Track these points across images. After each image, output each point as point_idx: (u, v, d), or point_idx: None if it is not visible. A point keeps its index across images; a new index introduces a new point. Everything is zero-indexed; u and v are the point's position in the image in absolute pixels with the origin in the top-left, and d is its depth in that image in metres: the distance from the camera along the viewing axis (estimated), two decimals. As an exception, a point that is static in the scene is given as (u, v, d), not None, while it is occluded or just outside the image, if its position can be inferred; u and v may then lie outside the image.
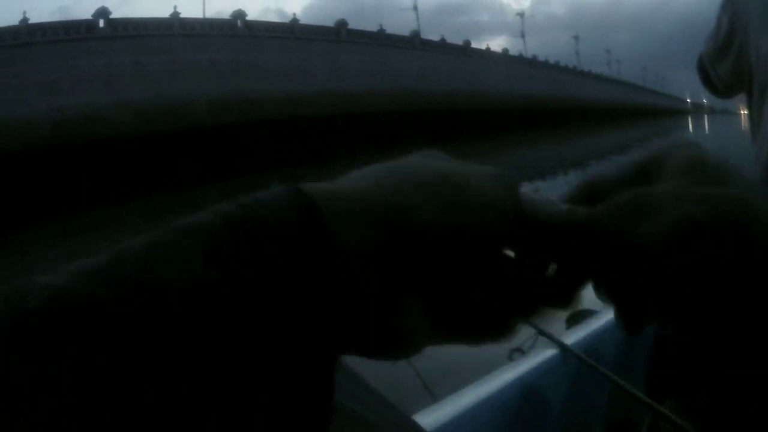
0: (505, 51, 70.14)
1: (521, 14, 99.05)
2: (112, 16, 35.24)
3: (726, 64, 1.50)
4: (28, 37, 31.73)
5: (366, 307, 0.36)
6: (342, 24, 47.00)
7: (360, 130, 40.25)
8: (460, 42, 60.76)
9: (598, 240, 0.44)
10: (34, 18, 33.04)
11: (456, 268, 0.41)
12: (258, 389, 0.29)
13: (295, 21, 45.13)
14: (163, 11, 39.23)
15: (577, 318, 2.18)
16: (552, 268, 0.46)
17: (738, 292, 0.40)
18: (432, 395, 1.75)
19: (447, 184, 0.41)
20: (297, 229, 0.33)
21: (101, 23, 34.68)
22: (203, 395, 0.28)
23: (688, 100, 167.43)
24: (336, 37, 46.03)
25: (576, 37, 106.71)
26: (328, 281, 0.33)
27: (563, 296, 0.47)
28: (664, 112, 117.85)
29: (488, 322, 0.44)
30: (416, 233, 0.38)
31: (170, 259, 0.31)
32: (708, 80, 1.62)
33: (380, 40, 49.75)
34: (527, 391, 1.65)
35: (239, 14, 40.94)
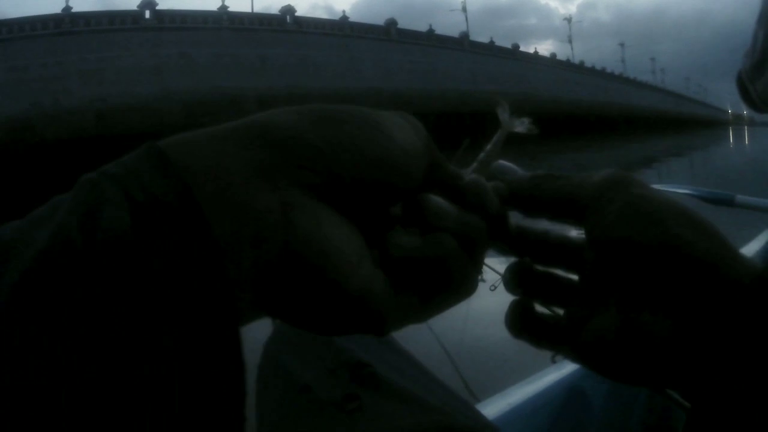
0: (553, 55, 68.05)
1: (568, 19, 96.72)
2: (158, 8, 34.18)
3: (765, 79, 1.35)
4: (71, 26, 30.64)
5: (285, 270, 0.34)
6: (392, 23, 45.74)
7: None
8: (508, 45, 58.87)
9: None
10: (77, 7, 31.76)
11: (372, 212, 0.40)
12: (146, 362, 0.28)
13: (345, 18, 43.90)
14: (210, 5, 38.16)
15: None
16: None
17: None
18: (474, 396, 1.68)
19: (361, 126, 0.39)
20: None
21: (147, 14, 33.62)
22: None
23: (729, 111, 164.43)
24: (386, 35, 44.70)
25: (622, 45, 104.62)
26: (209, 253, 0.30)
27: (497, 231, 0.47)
28: (705, 122, 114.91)
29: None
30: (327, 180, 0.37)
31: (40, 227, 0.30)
32: (747, 96, 1.43)
33: (430, 40, 47.92)
34: (569, 393, 1.64)
35: (288, 10, 39.73)
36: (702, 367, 0.41)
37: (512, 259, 0.51)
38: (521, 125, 0.56)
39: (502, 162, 0.52)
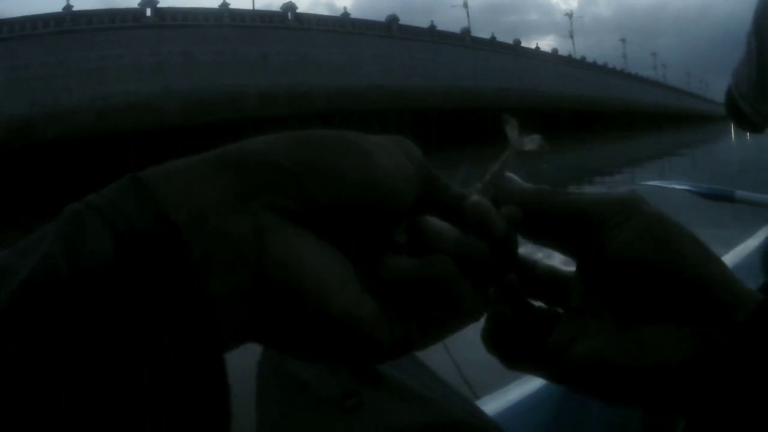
0: (555, 51, 67.58)
1: (570, 15, 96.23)
2: (159, 5, 33.87)
3: None
4: (72, 25, 30.40)
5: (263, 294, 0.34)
6: (393, 19, 45.28)
7: (410, 126, 37.86)
8: (509, 40, 58.36)
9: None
10: (78, 5, 31.58)
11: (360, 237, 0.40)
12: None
13: (346, 15, 43.58)
14: (211, 2, 37.99)
15: None
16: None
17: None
18: (474, 393, 1.66)
19: (350, 152, 0.39)
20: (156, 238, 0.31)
21: (148, 12, 33.30)
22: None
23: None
24: (387, 32, 44.26)
25: (623, 40, 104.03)
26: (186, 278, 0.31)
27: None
28: (707, 117, 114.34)
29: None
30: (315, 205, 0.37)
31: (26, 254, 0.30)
32: (740, 116, 1.48)
33: (431, 36, 47.52)
34: (568, 390, 1.39)
35: (290, 6, 39.40)
36: (698, 391, 0.41)
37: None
38: (532, 142, 0.52)
39: (507, 174, 0.50)
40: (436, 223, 0.43)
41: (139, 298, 0.30)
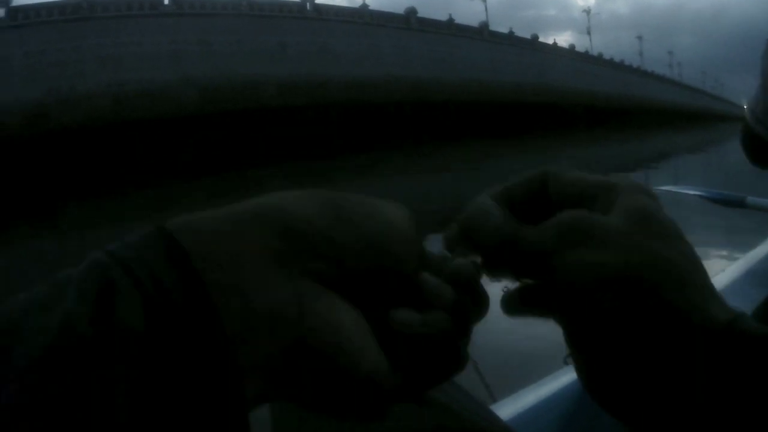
0: (572, 47, 66.67)
1: (587, 11, 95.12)
2: None
3: None
4: (88, 12, 29.96)
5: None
6: (412, 11, 44.82)
7: (428, 118, 37.79)
8: (527, 35, 57.54)
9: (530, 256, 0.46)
10: None
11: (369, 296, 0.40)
12: None
13: (364, 6, 43.03)
14: None
15: None
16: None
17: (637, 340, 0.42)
18: (491, 396, 1.72)
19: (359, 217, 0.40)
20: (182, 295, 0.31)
21: (166, 0, 32.82)
22: None
23: (744, 107, 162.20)
24: (406, 24, 43.76)
25: (640, 38, 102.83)
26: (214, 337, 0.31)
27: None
28: (721, 116, 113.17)
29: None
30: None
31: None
32: (758, 147, 1.46)
33: (449, 29, 46.80)
34: (582, 394, 1.57)
35: None
36: (670, 411, 0.41)
37: None
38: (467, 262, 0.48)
39: (484, 203, 0.49)
40: (434, 281, 0.43)
41: (167, 367, 0.29)
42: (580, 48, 70.14)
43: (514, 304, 0.50)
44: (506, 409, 1.40)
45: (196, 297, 0.31)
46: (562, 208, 0.46)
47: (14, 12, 28.51)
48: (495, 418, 0.83)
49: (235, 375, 0.31)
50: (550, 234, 0.45)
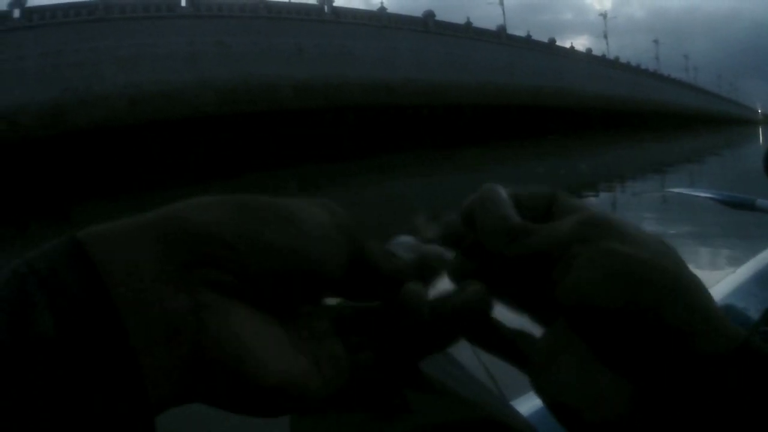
0: (589, 51, 65.81)
1: (604, 15, 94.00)
2: None
3: None
4: (105, 13, 29.65)
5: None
6: (430, 15, 44.30)
7: (445, 121, 37.45)
8: (544, 39, 56.72)
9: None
10: None
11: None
12: None
13: (382, 9, 42.43)
14: None
15: None
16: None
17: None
18: (504, 396, 1.51)
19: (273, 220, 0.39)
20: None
21: (183, 2, 32.54)
22: None
23: (759, 111, 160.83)
24: (424, 27, 43.23)
25: (656, 41, 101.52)
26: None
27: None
28: (736, 120, 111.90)
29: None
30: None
31: None
32: None
33: (467, 32, 46.11)
34: None
35: (326, 0, 38.11)
36: None
37: None
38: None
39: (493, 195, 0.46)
40: (415, 294, 0.42)
41: (76, 372, 0.30)
42: (596, 52, 69.46)
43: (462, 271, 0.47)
44: (520, 409, 1.23)
45: (102, 308, 0.32)
46: None
47: (29, 13, 28.22)
48: (514, 412, 0.82)
49: (137, 382, 0.31)
50: (568, 226, 0.42)
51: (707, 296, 0.40)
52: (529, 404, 1.39)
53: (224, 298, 0.35)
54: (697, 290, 0.40)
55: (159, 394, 0.33)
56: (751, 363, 0.37)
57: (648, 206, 13.48)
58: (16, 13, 27.87)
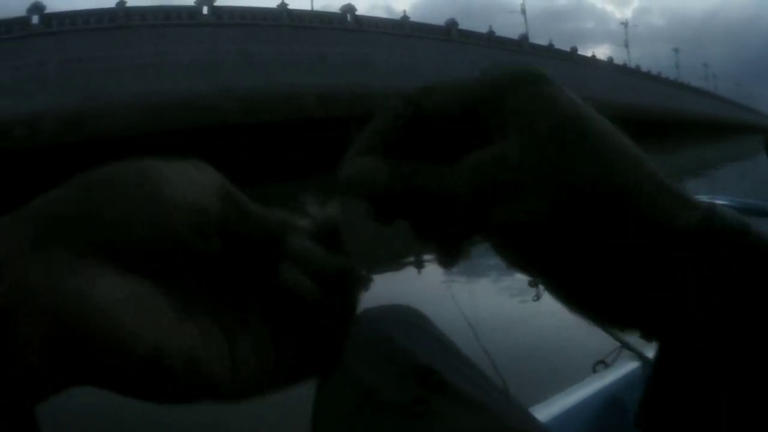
0: (610, 59, 64.66)
1: (625, 23, 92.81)
2: (216, 4, 32.44)
3: None
4: (125, 21, 29.12)
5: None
6: (452, 24, 43.51)
7: None
8: (566, 48, 55.74)
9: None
10: (131, 1, 30.47)
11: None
12: None
13: (405, 18, 41.61)
14: (269, 1, 36.48)
15: None
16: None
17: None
18: (522, 404, 1.59)
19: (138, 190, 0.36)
20: None
21: (204, 10, 31.85)
22: None
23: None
24: (446, 36, 42.39)
25: (676, 50, 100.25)
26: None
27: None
28: (757, 129, 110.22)
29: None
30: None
31: None
32: None
33: (490, 41, 45.16)
34: (610, 402, 1.65)
35: (349, 8, 37.51)
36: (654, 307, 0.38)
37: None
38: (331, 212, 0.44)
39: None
40: (293, 276, 0.39)
41: None
42: (618, 60, 68.41)
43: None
44: (538, 416, 1.35)
45: None
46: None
47: (48, 19, 27.68)
48: (535, 421, 0.82)
49: (9, 357, 0.30)
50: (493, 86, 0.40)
51: (656, 173, 0.38)
52: (540, 414, 1.38)
53: (84, 265, 0.33)
54: (647, 161, 0.38)
55: (30, 374, 0.31)
56: (716, 234, 0.36)
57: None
58: (35, 19, 27.37)
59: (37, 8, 27.40)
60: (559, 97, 0.39)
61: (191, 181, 0.38)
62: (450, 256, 0.42)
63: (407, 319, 0.93)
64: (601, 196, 0.37)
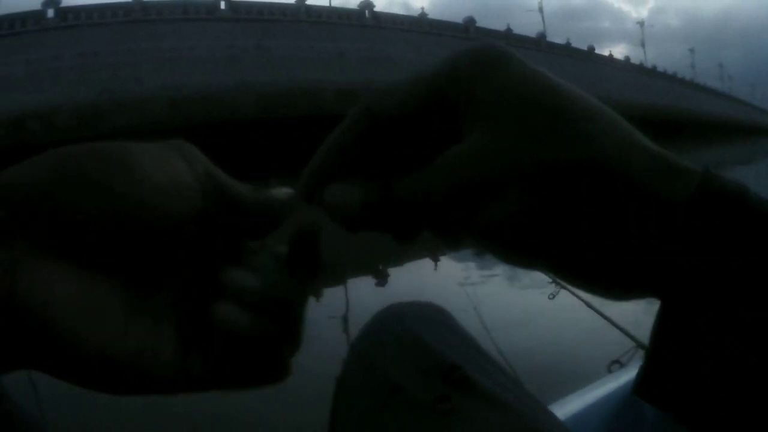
0: (627, 59, 63.67)
1: (641, 23, 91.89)
2: None
3: None
4: (142, 15, 28.75)
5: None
6: (470, 21, 43.10)
7: None
8: (583, 46, 54.88)
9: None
10: None
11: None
12: None
13: (423, 15, 41.19)
14: None
15: None
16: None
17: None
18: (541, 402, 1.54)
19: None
20: None
21: (222, 5, 31.52)
22: None
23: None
24: (464, 34, 41.61)
25: (692, 50, 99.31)
26: None
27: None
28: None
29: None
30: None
31: None
32: None
33: (508, 39, 44.29)
34: (624, 402, 1.63)
35: (367, 5, 37.07)
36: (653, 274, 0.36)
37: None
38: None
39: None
40: (238, 278, 0.38)
41: None
42: (634, 60, 67.58)
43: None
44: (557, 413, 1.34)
45: None
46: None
47: (64, 13, 27.33)
48: (558, 421, 0.82)
49: None
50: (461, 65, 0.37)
51: (644, 141, 0.37)
52: (559, 412, 1.39)
53: (43, 255, 0.32)
54: (636, 134, 0.37)
55: None
56: (714, 199, 0.35)
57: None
58: (50, 13, 27.04)
59: (52, 2, 27.08)
60: (527, 75, 0.37)
61: (166, 164, 0.35)
62: (451, 240, 0.40)
63: (431, 317, 0.91)
64: (591, 174, 0.35)
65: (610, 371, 1.78)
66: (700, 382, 0.34)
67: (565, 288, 2.24)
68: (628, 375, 1.70)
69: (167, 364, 0.35)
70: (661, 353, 0.36)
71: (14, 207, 0.31)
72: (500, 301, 5.48)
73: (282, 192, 0.40)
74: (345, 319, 5.13)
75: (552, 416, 0.81)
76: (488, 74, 0.36)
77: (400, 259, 7.74)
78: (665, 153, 0.36)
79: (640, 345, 1.82)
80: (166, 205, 0.34)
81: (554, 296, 2.27)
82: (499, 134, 0.35)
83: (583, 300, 2.14)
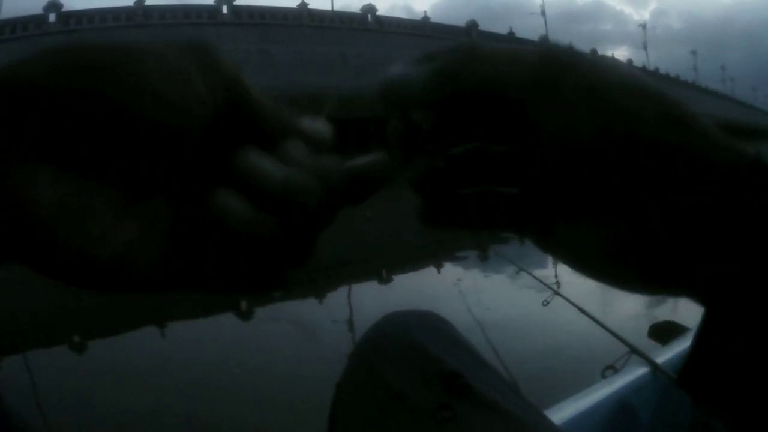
0: (629, 62, 63.55)
1: (643, 25, 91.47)
2: (235, 3, 32.07)
3: None
4: (144, 19, 28.70)
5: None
6: (473, 25, 42.87)
7: None
8: (585, 49, 54.70)
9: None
10: (150, 0, 30.23)
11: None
12: None
13: (426, 19, 41.00)
14: (289, 1, 36.16)
15: (662, 331, 2.64)
16: None
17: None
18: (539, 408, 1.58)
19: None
20: None
21: (224, 9, 31.48)
22: None
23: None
24: (467, 37, 40.84)
25: (694, 53, 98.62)
26: None
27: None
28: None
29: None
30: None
31: None
32: None
33: (510, 42, 44.08)
34: (619, 407, 1.67)
35: (370, 9, 36.99)
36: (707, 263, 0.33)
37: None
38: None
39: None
40: (254, 162, 0.35)
41: None
42: (636, 62, 67.68)
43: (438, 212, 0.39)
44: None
45: None
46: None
47: (66, 17, 27.23)
48: (556, 428, 0.82)
49: None
50: (529, 63, 0.35)
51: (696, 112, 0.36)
52: (553, 417, 1.37)
53: (33, 156, 0.30)
54: (685, 105, 0.36)
55: None
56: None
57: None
58: (52, 17, 26.93)
59: (54, 6, 27.03)
60: (600, 85, 0.35)
61: (176, 76, 0.33)
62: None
63: (432, 325, 0.91)
64: (657, 151, 0.34)
65: (604, 377, 1.81)
66: (748, 375, 0.32)
67: (559, 294, 2.34)
68: (622, 380, 1.73)
69: (152, 264, 0.34)
70: (706, 345, 0.34)
71: (11, 106, 0.30)
72: (493, 308, 5.35)
73: (312, 124, 0.38)
74: (350, 322, 5.07)
75: (552, 424, 0.81)
76: (574, 78, 0.35)
77: (402, 265, 7.95)
78: (716, 128, 0.35)
79: (633, 350, 1.87)
80: (169, 120, 0.32)
81: (548, 302, 2.34)
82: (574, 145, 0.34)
83: (576, 306, 2.19)
